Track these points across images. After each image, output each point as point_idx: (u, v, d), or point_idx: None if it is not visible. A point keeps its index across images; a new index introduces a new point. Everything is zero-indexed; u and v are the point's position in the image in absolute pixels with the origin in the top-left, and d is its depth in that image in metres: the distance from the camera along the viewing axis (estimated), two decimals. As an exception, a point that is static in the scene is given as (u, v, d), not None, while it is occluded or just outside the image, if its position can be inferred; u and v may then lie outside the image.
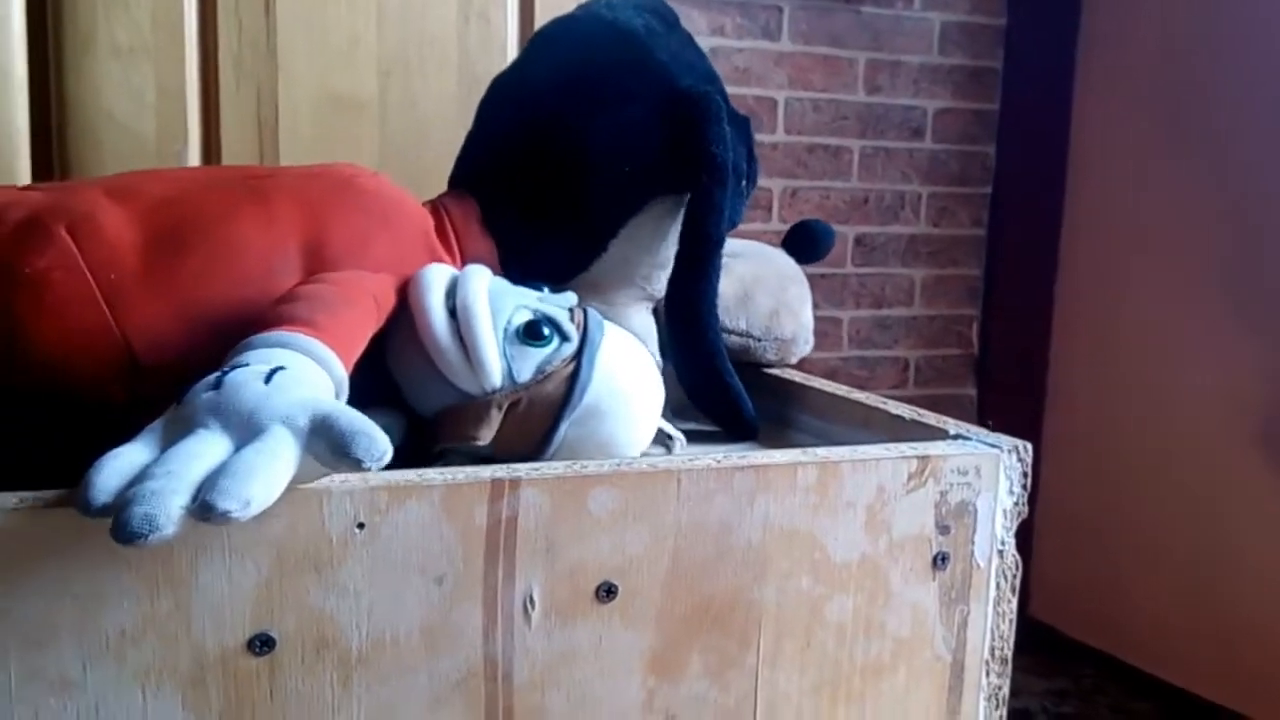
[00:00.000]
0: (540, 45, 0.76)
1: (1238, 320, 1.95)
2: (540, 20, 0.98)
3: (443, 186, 0.82)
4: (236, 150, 0.93)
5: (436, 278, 0.59)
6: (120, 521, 0.38)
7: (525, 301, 0.60)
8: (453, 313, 0.58)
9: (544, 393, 0.58)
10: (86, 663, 0.44)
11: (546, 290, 0.63)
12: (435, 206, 0.70)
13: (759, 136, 1.99)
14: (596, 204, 0.71)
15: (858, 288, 2.23)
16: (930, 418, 0.67)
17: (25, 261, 0.54)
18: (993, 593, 0.61)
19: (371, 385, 0.56)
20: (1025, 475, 0.61)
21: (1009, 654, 0.62)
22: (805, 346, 0.84)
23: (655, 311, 0.77)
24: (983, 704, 0.62)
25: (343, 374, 0.50)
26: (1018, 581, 0.62)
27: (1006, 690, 0.62)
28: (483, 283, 0.59)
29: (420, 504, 0.49)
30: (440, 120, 0.98)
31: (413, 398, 0.60)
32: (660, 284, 0.75)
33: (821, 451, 0.57)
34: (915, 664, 0.60)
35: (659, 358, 0.71)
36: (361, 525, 0.48)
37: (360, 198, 0.64)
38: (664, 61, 0.72)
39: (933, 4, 2.20)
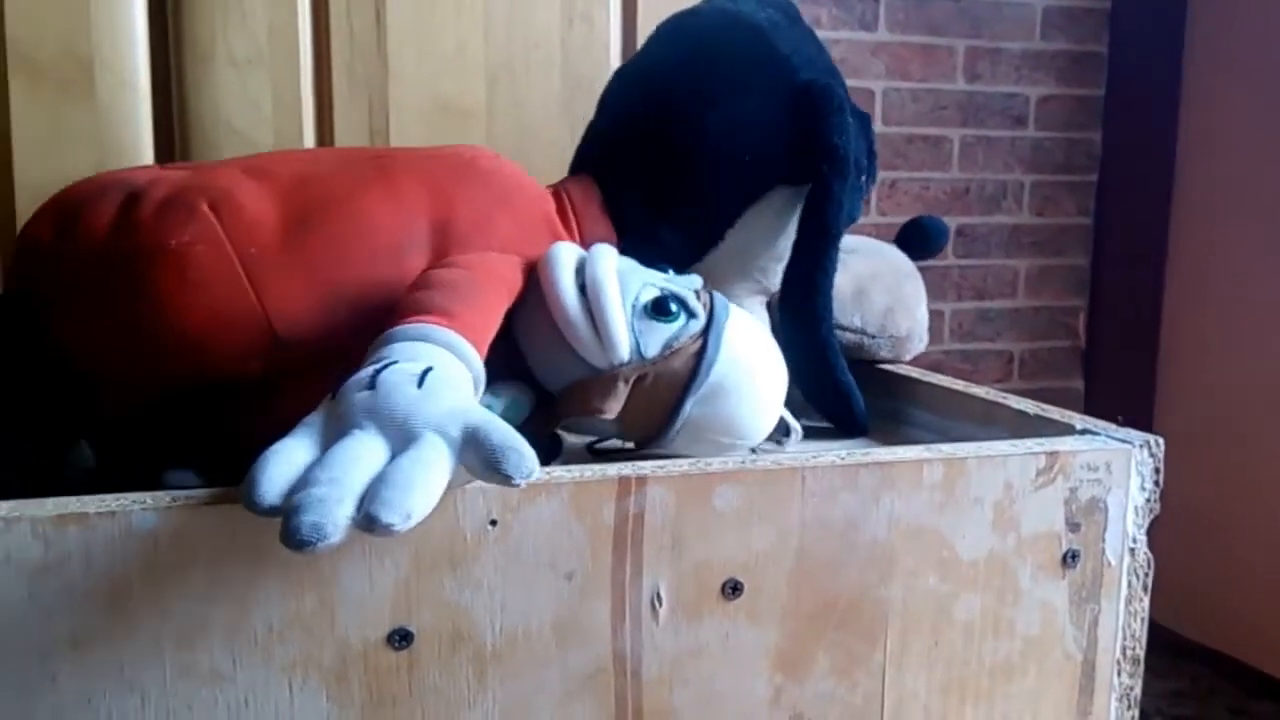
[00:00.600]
0: (664, 37, 0.77)
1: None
2: (643, 21, 0.98)
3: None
4: (350, 156, 0.95)
5: (567, 255, 0.60)
6: (290, 529, 0.39)
7: (652, 279, 0.60)
8: (582, 289, 0.58)
9: (670, 368, 0.58)
10: (236, 657, 0.46)
11: (671, 272, 0.63)
12: (556, 190, 0.71)
13: (857, 129, 1.96)
14: (715, 193, 0.71)
15: (959, 279, 2.19)
16: (1055, 412, 0.66)
17: (170, 235, 0.55)
18: (1124, 591, 0.59)
19: (498, 360, 0.57)
20: (1157, 471, 0.60)
21: (1141, 654, 0.60)
22: (920, 344, 0.83)
23: (769, 306, 0.77)
24: (1114, 704, 0.60)
25: (481, 368, 0.51)
26: (1149, 580, 0.60)
27: (1139, 691, 0.61)
28: (611, 261, 0.60)
29: (550, 501, 0.49)
30: (545, 122, 0.99)
31: (540, 372, 0.61)
32: (775, 277, 0.75)
33: (947, 448, 0.56)
34: (1045, 664, 0.58)
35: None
36: (494, 522, 0.48)
37: (483, 176, 0.65)
38: (786, 54, 0.72)
39: (1034, -12, 2.15)
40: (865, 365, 0.82)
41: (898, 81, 2.09)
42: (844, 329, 0.80)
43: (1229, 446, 2.12)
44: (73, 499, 0.44)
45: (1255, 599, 2.07)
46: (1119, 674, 0.60)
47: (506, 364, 0.59)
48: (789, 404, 0.66)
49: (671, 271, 0.63)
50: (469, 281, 0.55)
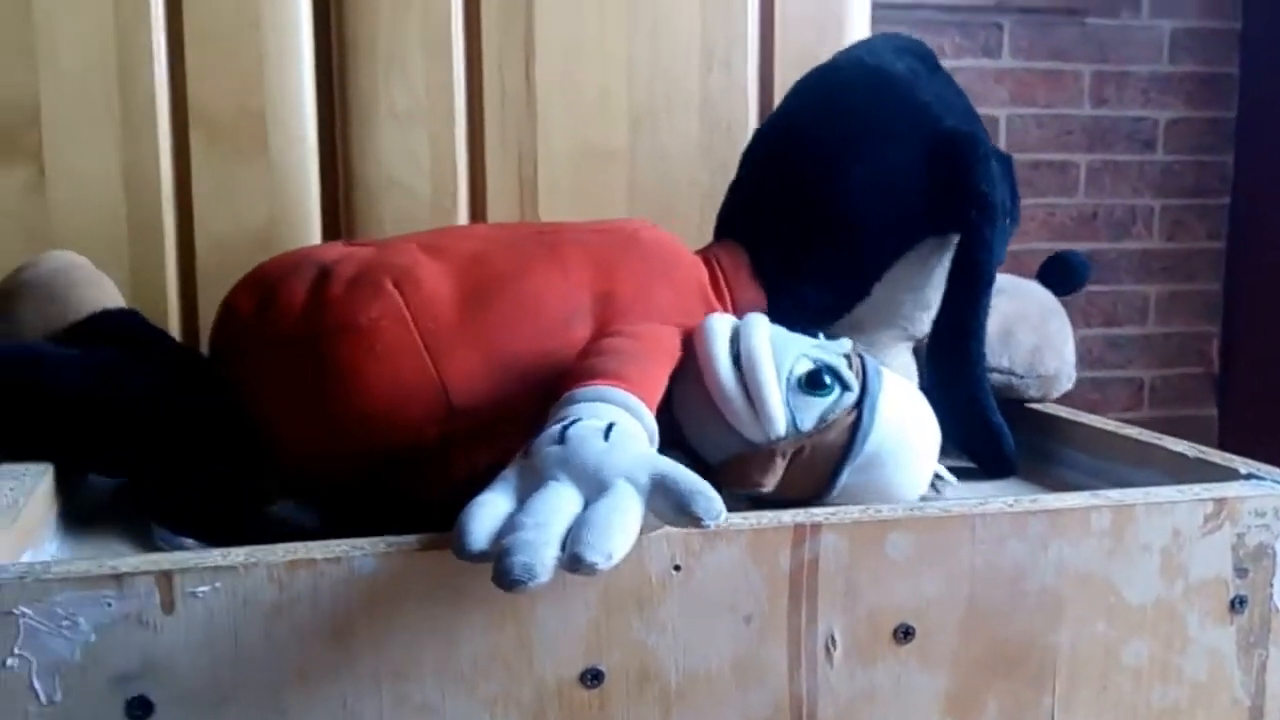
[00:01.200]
0: (803, 93, 0.78)
1: None
2: (781, 66, 1.01)
3: (689, 230, 0.85)
4: (499, 205, 0.99)
5: (721, 328, 0.62)
6: (503, 569, 0.43)
7: (805, 350, 0.62)
8: (736, 360, 0.60)
9: (826, 441, 0.60)
10: (444, 691, 0.49)
11: (821, 336, 0.65)
12: (707, 257, 0.73)
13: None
14: (862, 248, 0.73)
15: (1087, 306, 2.15)
16: (1215, 455, 0.66)
17: (360, 312, 0.60)
18: (1295, 638, 0.59)
19: (660, 429, 0.60)
20: (1328, 517, 0.59)
21: (1311, 701, 0.60)
22: (1068, 383, 0.84)
23: (915, 351, 0.78)
24: (1284, 752, 0.60)
25: (654, 425, 0.54)
26: (1320, 626, 0.60)
27: (1309, 738, 0.60)
28: (765, 332, 0.62)
29: (730, 547, 0.52)
30: (685, 166, 1.02)
31: (697, 443, 0.63)
32: (922, 325, 0.76)
33: (1115, 495, 0.57)
34: (1214, 709, 0.59)
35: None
36: (678, 567, 0.51)
37: (643, 249, 0.68)
38: (928, 102, 0.73)
39: (1162, 11, 2.12)
40: (1014, 405, 0.82)
41: (1022, 108, 2.08)
42: (992, 370, 0.80)
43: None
44: (299, 544, 0.48)
45: None
46: (1290, 721, 0.60)
47: (665, 433, 0.62)
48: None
49: (822, 335, 0.64)
50: (637, 349, 0.59)
